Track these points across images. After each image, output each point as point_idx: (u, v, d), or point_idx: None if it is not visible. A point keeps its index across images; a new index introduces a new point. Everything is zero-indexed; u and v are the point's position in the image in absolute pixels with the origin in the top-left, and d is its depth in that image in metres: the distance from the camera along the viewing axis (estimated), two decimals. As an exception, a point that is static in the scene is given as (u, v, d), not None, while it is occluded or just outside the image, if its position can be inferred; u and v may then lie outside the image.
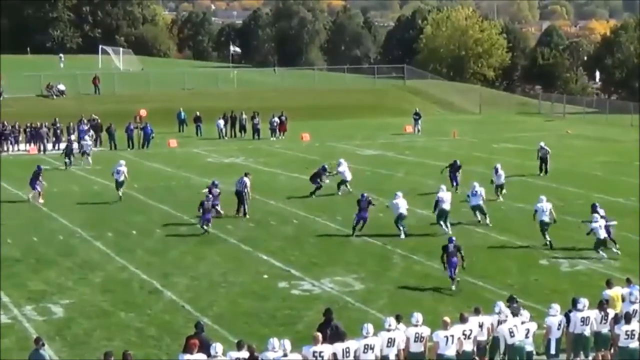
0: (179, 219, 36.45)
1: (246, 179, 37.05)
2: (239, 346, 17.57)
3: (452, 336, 18.53)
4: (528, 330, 19.24)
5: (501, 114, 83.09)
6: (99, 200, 40.93)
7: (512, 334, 19.02)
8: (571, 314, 19.61)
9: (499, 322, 19.21)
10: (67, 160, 50.43)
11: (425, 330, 18.66)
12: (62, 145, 58.76)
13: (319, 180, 40.85)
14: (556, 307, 19.57)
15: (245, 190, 36.84)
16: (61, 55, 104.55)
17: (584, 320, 19.50)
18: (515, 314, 19.47)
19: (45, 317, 23.97)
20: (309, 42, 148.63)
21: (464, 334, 18.74)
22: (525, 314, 19.56)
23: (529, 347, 19.24)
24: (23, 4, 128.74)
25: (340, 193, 40.96)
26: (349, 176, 41.44)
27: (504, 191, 40.06)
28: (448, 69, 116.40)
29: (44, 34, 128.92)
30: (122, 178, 40.57)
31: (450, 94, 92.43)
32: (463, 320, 18.99)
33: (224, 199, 36.62)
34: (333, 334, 18.56)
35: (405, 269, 28.71)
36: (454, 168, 42.41)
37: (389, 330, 18.38)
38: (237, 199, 36.91)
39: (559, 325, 19.40)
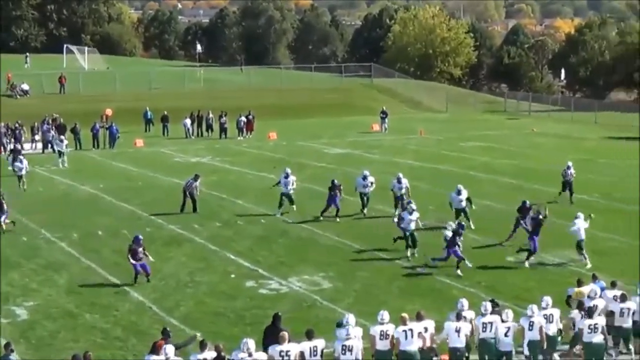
0: (146, 219, 36.19)
1: (197, 183, 37.43)
2: (202, 346, 17.43)
3: (411, 330, 18.55)
4: (508, 329, 19.14)
5: (468, 112, 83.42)
6: (64, 201, 40.58)
7: (484, 329, 19.05)
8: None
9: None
10: (13, 168, 45.31)
11: (390, 328, 18.65)
12: (27, 145, 58.58)
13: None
14: (533, 308, 19.44)
15: (196, 192, 37.30)
16: (27, 54, 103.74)
17: (547, 318, 19.56)
18: (500, 317, 19.34)
19: (9, 320, 23.67)
20: (276, 41, 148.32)
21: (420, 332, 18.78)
22: (509, 314, 19.34)
23: (509, 347, 19.18)
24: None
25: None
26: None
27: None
28: (415, 67, 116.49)
29: (7, 32, 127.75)
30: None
31: (417, 92, 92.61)
32: (419, 318, 19.02)
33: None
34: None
35: (373, 269, 28.61)
36: None
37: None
38: (185, 197, 37.14)
39: (530, 325, 19.24)
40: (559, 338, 20.16)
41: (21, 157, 44.89)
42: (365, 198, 36.37)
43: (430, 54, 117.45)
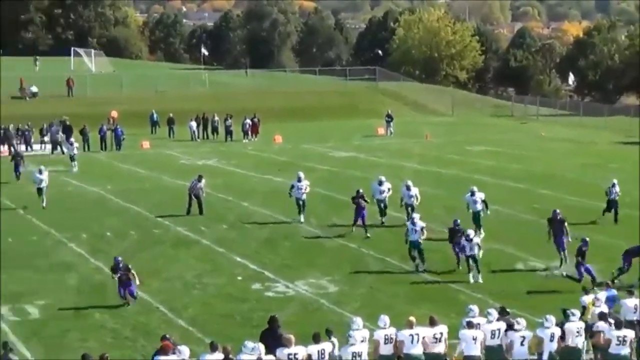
0: (153, 221, 36.45)
1: (201, 184, 37.51)
2: (213, 348, 17.59)
3: (417, 334, 18.60)
4: (524, 338, 18.83)
5: (474, 116, 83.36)
6: (73, 201, 40.85)
7: (492, 336, 18.94)
8: (565, 326, 19.18)
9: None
10: (16, 172, 46.35)
11: (393, 332, 18.74)
12: (36, 147, 59.02)
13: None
14: (551, 319, 18.95)
15: (202, 193, 37.50)
16: (37, 57, 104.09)
17: (579, 332, 19.20)
18: (510, 325, 19.11)
19: (20, 318, 23.99)
20: (280, 44, 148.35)
21: (434, 338, 18.80)
22: (522, 323, 19.08)
23: (524, 356, 18.85)
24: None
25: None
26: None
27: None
28: (420, 70, 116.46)
29: (16, 36, 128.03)
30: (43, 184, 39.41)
31: (423, 95, 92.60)
32: (433, 323, 19.04)
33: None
34: (275, 342, 18.11)
35: (379, 273, 28.76)
36: None
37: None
38: (191, 199, 37.33)
39: (552, 337, 18.87)
40: (585, 350, 19.77)
41: (23, 162, 46.15)
42: (382, 205, 35.16)
43: (435, 57, 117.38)
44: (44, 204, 38.66)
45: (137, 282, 25.29)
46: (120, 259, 25.72)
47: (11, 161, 47.39)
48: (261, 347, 17.31)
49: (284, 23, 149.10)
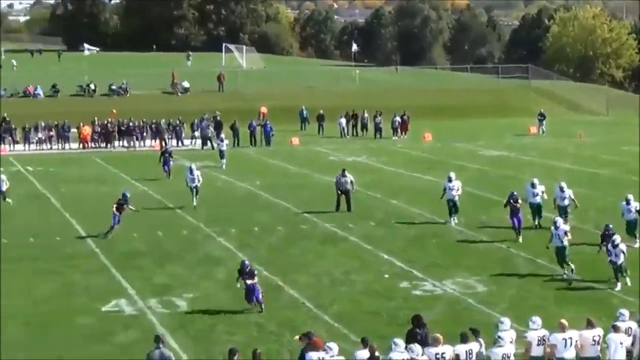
0: (302, 217, 36.54)
1: (346, 178, 37.31)
2: (364, 343, 17.37)
3: (570, 338, 18.03)
4: None
5: (630, 116, 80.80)
6: (221, 196, 41.33)
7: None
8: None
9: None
10: (165, 168, 46.49)
11: (547, 334, 18.21)
12: (187, 142, 60.13)
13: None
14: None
15: (351, 188, 37.32)
16: (189, 53, 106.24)
17: None
18: None
19: (169, 310, 24.27)
20: (432, 41, 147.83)
21: (593, 340, 18.20)
22: None
23: None
24: (149, 3, 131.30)
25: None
26: None
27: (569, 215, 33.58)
28: (574, 69, 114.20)
29: (169, 32, 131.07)
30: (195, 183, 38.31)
31: (577, 94, 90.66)
32: (590, 325, 18.38)
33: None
34: (422, 342, 17.89)
35: (529, 274, 28.05)
36: None
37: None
38: (339, 196, 37.26)
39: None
40: None
41: (172, 158, 46.59)
42: (535, 207, 33.78)
43: (590, 55, 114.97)
44: (195, 204, 37.69)
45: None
46: (247, 262, 24.97)
47: (160, 158, 47.05)
48: (417, 347, 17.02)
49: (436, 20, 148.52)
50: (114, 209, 32.60)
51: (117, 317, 23.77)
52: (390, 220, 35.83)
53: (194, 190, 38.03)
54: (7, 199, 38.85)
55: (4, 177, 39.41)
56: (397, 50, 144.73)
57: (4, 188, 38.94)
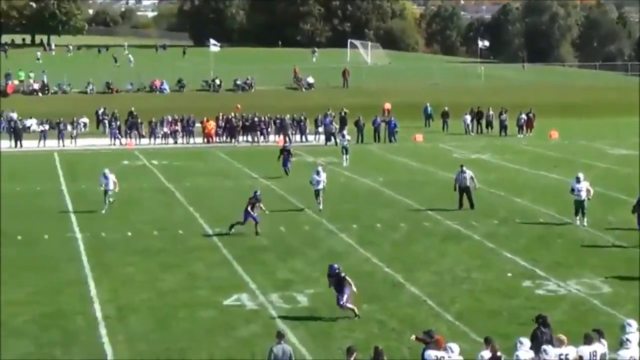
0: (424, 214, 36.38)
1: (466, 174, 36.89)
2: (487, 342, 17.25)
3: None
4: None
5: None
6: (344, 193, 41.43)
7: None
8: None
9: None
10: (285, 168, 46.03)
11: None
12: (310, 137, 60.49)
13: None
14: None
15: (472, 184, 36.96)
16: (315, 49, 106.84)
17: None
18: None
19: (290, 306, 24.42)
20: (560, 38, 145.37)
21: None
22: None
23: None
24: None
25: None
26: None
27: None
28: None
29: (295, 28, 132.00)
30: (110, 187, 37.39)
31: None
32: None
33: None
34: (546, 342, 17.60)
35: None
36: None
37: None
38: (461, 194, 36.94)
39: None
40: None
41: (291, 156, 46.27)
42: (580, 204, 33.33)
43: None
44: (321, 207, 36.66)
45: (354, 289, 23.29)
46: (336, 266, 23.84)
47: (279, 157, 46.43)
48: (550, 349, 16.84)
49: (564, 16, 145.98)
50: (249, 207, 32.59)
51: (238, 310, 24.01)
52: (513, 218, 35.39)
53: (319, 192, 37.00)
54: (110, 200, 37.38)
55: (112, 176, 37.54)
56: (524, 47, 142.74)
57: (111, 187, 37.28)
